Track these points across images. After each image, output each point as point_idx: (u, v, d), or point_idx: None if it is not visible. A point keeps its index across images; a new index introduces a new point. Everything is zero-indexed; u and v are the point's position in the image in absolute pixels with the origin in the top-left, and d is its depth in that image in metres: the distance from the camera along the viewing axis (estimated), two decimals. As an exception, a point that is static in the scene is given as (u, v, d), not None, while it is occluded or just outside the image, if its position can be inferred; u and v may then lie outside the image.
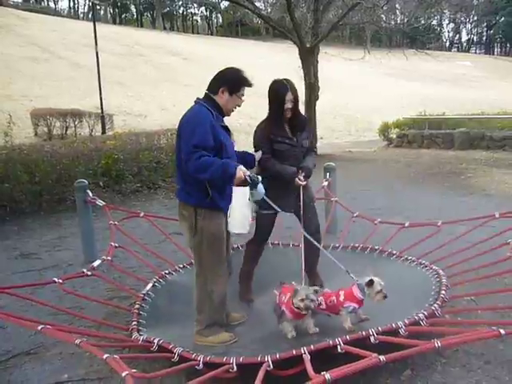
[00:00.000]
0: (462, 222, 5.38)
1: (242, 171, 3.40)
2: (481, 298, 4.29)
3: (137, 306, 4.19)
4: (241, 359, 3.04)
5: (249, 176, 3.44)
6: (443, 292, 3.91)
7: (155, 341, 3.40)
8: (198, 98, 3.61)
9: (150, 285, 4.65)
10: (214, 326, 3.65)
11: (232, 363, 3.00)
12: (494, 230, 4.93)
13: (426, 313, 3.48)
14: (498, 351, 3.49)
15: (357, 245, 5.56)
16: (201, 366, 3.06)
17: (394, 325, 3.23)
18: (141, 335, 3.64)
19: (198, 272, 3.64)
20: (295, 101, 4.20)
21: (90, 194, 5.76)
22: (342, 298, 3.62)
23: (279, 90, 4.18)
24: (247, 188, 3.53)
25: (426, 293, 4.07)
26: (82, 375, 3.45)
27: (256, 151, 4.14)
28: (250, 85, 3.63)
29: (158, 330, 3.80)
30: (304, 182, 4.26)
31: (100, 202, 5.59)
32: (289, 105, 4.15)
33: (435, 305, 3.66)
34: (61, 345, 3.81)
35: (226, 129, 3.65)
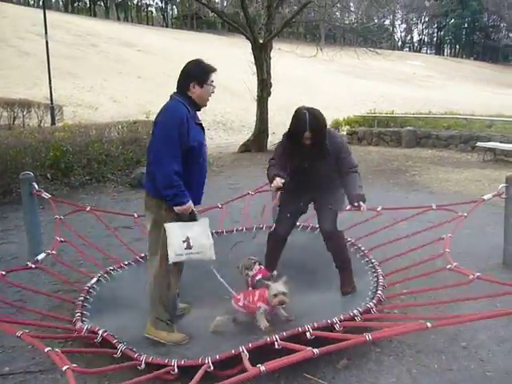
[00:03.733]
0: (402, 211, 5.68)
1: (191, 205, 3.49)
2: (417, 294, 4.46)
3: (81, 299, 4.18)
4: (182, 362, 3.10)
5: (193, 210, 3.54)
6: (379, 292, 4.02)
7: (99, 332, 3.43)
8: (174, 93, 3.60)
9: (94, 279, 4.61)
10: (166, 320, 3.62)
11: (173, 365, 3.06)
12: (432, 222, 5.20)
13: (360, 309, 3.62)
14: (430, 341, 3.67)
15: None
16: (143, 366, 3.10)
17: (329, 321, 3.37)
18: (85, 324, 3.64)
19: (158, 262, 3.59)
20: (315, 134, 4.09)
21: (36, 186, 5.64)
22: (256, 297, 3.68)
23: (299, 127, 4.11)
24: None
25: (364, 289, 4.24)
26: (24, 368, 3.44)
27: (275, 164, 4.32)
28: (214, 70, 3.64)
29: (102, 321, 3.81)
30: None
31: (46, 195, 5.49)
32: (306, 141, 4.11)
33: (371, 302, 3.79)
34: (2, 337, 3.76)
35: (201, 126, 3.67)
